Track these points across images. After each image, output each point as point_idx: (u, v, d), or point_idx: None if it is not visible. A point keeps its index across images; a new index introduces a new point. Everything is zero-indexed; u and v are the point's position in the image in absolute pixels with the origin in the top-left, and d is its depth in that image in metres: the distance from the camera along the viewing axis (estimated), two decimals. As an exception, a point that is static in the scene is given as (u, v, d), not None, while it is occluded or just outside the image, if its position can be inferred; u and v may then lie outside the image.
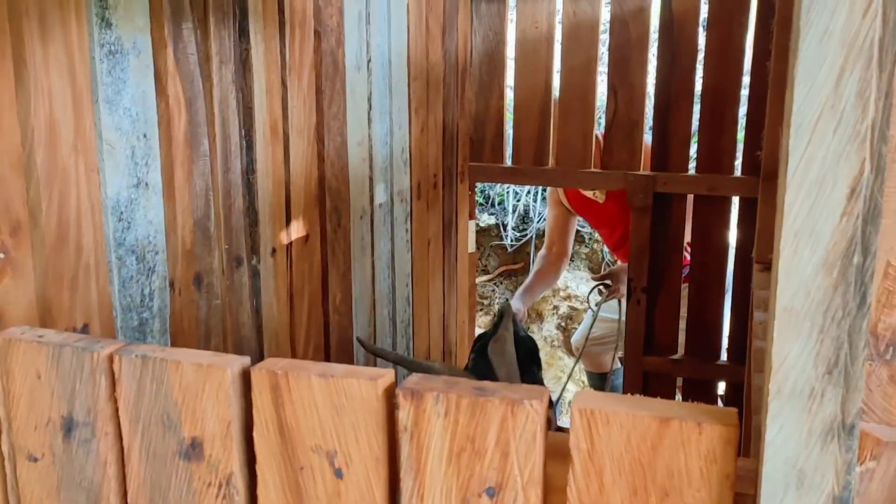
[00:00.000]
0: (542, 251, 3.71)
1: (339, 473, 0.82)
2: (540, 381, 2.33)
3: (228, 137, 1.78)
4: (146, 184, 1.56)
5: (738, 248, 3.08)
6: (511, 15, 3.23)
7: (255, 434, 0.84)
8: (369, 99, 2.40)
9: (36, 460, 0.93)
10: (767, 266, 1.72)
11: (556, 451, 0.78)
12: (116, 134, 1.48)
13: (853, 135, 0.59)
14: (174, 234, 1.64)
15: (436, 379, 0.79)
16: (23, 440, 0.92)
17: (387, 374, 0.81)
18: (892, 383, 0.69)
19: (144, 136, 1.55)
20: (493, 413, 0.75)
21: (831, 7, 0.58)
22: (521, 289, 3.66)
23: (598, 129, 3.22)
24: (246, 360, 0.86)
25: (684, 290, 3.17)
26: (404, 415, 0.78)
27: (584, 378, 4.28)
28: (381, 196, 2.53)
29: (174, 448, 0.88)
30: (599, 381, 3.79)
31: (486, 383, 0.77)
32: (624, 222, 3.47)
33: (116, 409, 0.90)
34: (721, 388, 3.29)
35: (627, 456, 0.72)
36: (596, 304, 3.44)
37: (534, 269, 3.76)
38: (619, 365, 3.74)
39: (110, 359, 0.89)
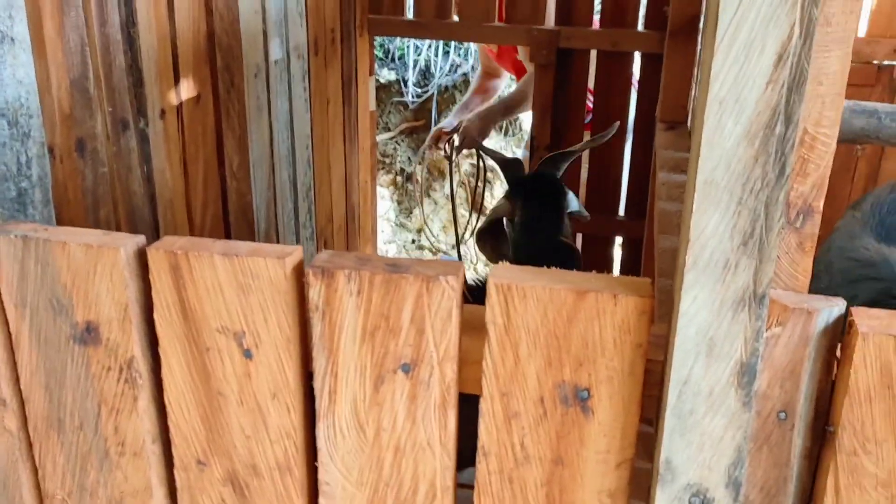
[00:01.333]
0: (478, 70, 3.69)
1: (248, 354, 0.79)
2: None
3: (103, -14, 1.62)
4: (11, 38, 1.41)
5: (638, 105, 3.10)
6: None
7: (155, 316, 0.80)
8: (259, -56, 2.21)
9: (-87, 350, 0.86)
10: (671, 125, 1.73)
11: (471, 324, 0.77)
12: (-29, -18, 1.31)
13: (785, -3, 0.56)
14: (49, 95, 1.50)
15: (346, 256, 0.76)
16: None
17: (295, 252, 0.77)
18: (799, 250, 0.70)
19: (5, -16, 1.38)
20: (407, 290, 0.73)
21: None
22: (455, 108, 3.62)
23: None
24: (140, 238, 0.80)
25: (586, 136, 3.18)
26: (315, 294, 0.75)
27: None
28: (276, 52, 2.39)
29: (67, 332, 0.82)
30: None
31: (399, 259, 0.75)
32: (518, 71, 3.44)
33: (-1, 294, 0.83)
34: (618, 241, 3.39)
35: (543, 329, 0.72)
36: (453, 157, 3.35)
37: (471, 87, 3.71)
38: None
39: (-14, 240, 0.82)
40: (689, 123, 1.77)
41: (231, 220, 2.23)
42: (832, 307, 0.68)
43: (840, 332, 0.69)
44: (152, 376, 0.84)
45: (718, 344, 0.65)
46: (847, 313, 0.68)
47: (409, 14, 3.17)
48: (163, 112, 1.86)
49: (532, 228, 2.31)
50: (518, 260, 2.32)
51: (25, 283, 0.81)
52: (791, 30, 0.56)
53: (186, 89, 1.95)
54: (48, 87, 1.49)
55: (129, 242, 0.79)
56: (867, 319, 0.67)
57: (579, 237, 3.35)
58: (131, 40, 1.72)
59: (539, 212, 2.30)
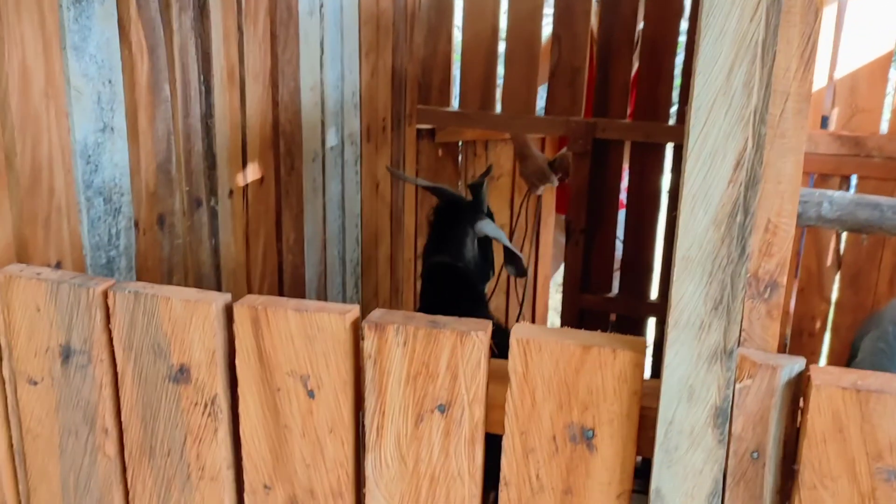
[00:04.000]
0: None
1: (311, 394, 0.95)
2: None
3: (188, 83, 1.86)
4: (112, 128, 1.64)
5: (670, 193, 3.26)
6: (459, -40, 3.29)
7: (237, 361, 0.97)
8: (322, 44, 2.47)
9: (36, 384, 1.04)
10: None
11: (496, 375, 0.92)
12: (83, 80, 1.55)
13: (739, 117, 0.73)
14: (138, 176, 1.72)
15: (395, 314, 0.92)
16: (23, 366, 1.03)
17: (353, 309, 0.94)
18: (768, 317, 0.84)
19: (109, 81, 1.61)
20: (444, 342, 0.89)
21: (725, 11, 0.71)
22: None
23: None
24: (228, 296, 0.98)
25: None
26: (369, 344, 0.92)
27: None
28: (332, 139, 2.62)
29: (164, 373, 1.00)
30: None
31: (439, 317, 0.91)
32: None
33: (111, 339, 1.01)
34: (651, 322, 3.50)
35: (555, 377, 0.87)
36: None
37: None
38: None
39: (105, 294, 1.00)
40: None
41: (285, 290, 2.42)
42: (793, 364, 0.82)
43: (802, 384, 0.83)
44: (231, 411, 1.00)
45: (697, 390, 0.80)
46: (806, 368, 0.82)
47: (455, 105, 3.41)
48: (231, 192, 2.08)
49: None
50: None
51: (133, 330, 0.99)
52: (745, 142, 0.73)
53: (252, 172, 2.17)
54: (138, 170, 1.71)
55: (220, 298, 0.97)
56: (821, 374, 0.81)
57: (613, 318, 3.49)
58: (208, 129, 1.95)
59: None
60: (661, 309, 3.36)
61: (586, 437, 0.88)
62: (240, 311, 0.96)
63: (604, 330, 3.48)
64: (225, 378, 0.99)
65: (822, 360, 3.29)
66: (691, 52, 3.09)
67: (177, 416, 1.00)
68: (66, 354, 1.02)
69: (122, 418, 1.03)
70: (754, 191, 0.74)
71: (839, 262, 3.31)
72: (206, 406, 0.99)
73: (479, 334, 0.89)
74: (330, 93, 2.57)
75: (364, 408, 0.95)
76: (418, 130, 3.40)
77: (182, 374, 0.99)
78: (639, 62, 3.18)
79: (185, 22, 1.82)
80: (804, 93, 0.79)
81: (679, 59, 3.13)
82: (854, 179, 3.23)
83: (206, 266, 2.01)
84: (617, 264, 3.41)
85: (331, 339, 0.93)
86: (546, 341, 0.86)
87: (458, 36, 3.36)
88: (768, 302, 0.84)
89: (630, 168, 3.30)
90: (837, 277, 3.31)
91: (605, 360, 0.85)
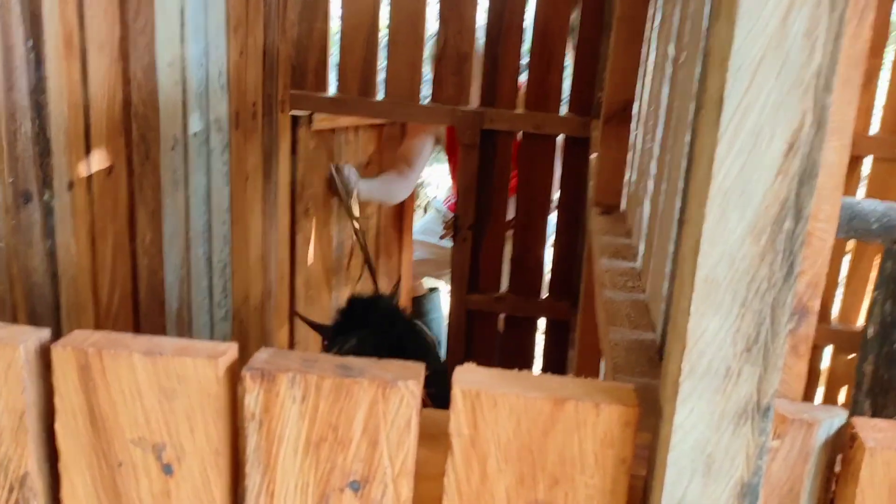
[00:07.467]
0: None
1: (168, 469, 0.68)
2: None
3: (11, 49, 1.50)
4: None
5: (562, 187, 3.11)
6: (338, -69, 3.00)
7: (57, 426, 0.68)
8: (182, 13, 2.13)
9: None
10: (607, 209, 1.70)
11: (429, 433, 0.68)
12: None
13: (796, 81, 0.51)
14: (-58, 164, 1.36)
15: (290, 356, 0.66)
16: None
17: (229, 351, 0.67)
18: (793, 353, 0.64)
19: None
20: (360, 396, 0.64)
21: (782, -70, 0.49)
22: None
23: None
24: (44, 333, 0.68)
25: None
26: (252, 400, 0.65)
27: None
28: (195, 124, 2.29)
29: (-53, 445, 0.69)
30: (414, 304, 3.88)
31: (352, 360, 0.65)
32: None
33: None
34: (541, 322, 3.35)
35: (516, 442, 0.63)
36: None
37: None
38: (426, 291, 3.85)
39: None
40: (622, 207, 1.75)
41: (141, 298, 2.07)
42: (833, 417, 0.62)
43: (840, 444, 0.63)
44: (50, 496, 0.71)
45: (718, 461, 0.58)
46: (848, 424, 0.63)
47: (332, 91, 3.12)
48: (71, 184, 1.72)
49: None
50: None
51: None
52: (802, 117, 0.52)
53: (98, 160, 1.82)
54: (-59, 155, 1.35)
55: (31, 337, 0.67)
56: (871, 431, 0.61)
57: (501, 318, 3.31)
58: (39, 107, 1.59)
59: None
60: (551, 308, 3.21)
61: (556, 521, 0.65)
62: (61, 357, 0.66)
63: (491, 331, 3.30)
64: (41, 450, 0.69)
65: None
66: (584, 41, 2.94)
67: (-32, 505, 0.70)
68: None
69: None
70: (810, 187, 0.52)
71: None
72: (11, 489, 0.69)
73: (408, 384, 0.64)
74: (193, 71, 2.23)
75: (245, 487, 0.68)
76: (294, 117, 3.09)
77: (-25, 447, 0.69)
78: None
79: (6, -27, 1.46)
80: (856, 55, 0.59)
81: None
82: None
83: (38, 274, 1.65)
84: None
85: (196, 394, 0.66)
86: (503, 394, 0.62)
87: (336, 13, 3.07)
88: (795, 333, 0.64)
89: (519, 161, 3.12)
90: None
91: (583, 418, 0.62)
